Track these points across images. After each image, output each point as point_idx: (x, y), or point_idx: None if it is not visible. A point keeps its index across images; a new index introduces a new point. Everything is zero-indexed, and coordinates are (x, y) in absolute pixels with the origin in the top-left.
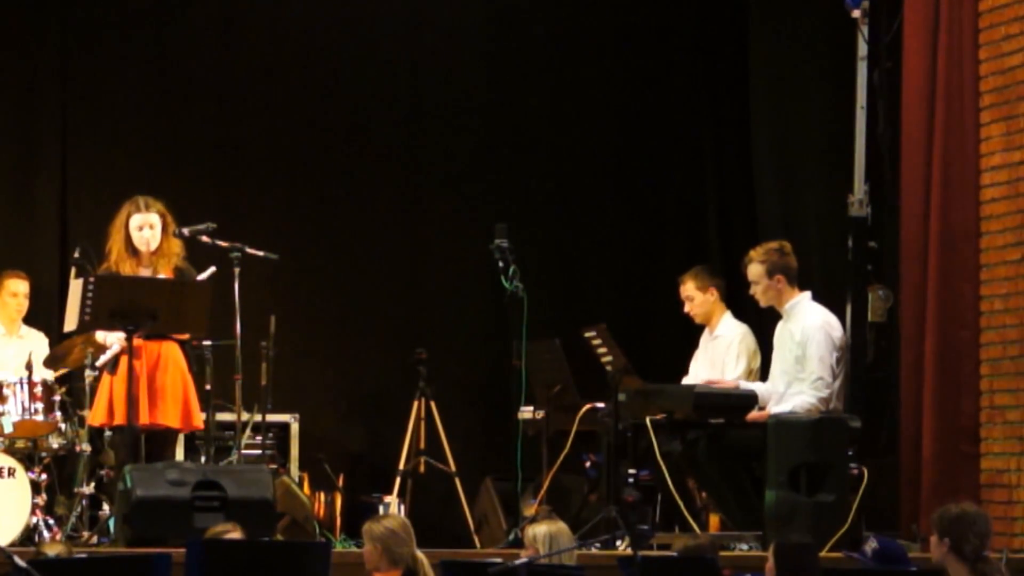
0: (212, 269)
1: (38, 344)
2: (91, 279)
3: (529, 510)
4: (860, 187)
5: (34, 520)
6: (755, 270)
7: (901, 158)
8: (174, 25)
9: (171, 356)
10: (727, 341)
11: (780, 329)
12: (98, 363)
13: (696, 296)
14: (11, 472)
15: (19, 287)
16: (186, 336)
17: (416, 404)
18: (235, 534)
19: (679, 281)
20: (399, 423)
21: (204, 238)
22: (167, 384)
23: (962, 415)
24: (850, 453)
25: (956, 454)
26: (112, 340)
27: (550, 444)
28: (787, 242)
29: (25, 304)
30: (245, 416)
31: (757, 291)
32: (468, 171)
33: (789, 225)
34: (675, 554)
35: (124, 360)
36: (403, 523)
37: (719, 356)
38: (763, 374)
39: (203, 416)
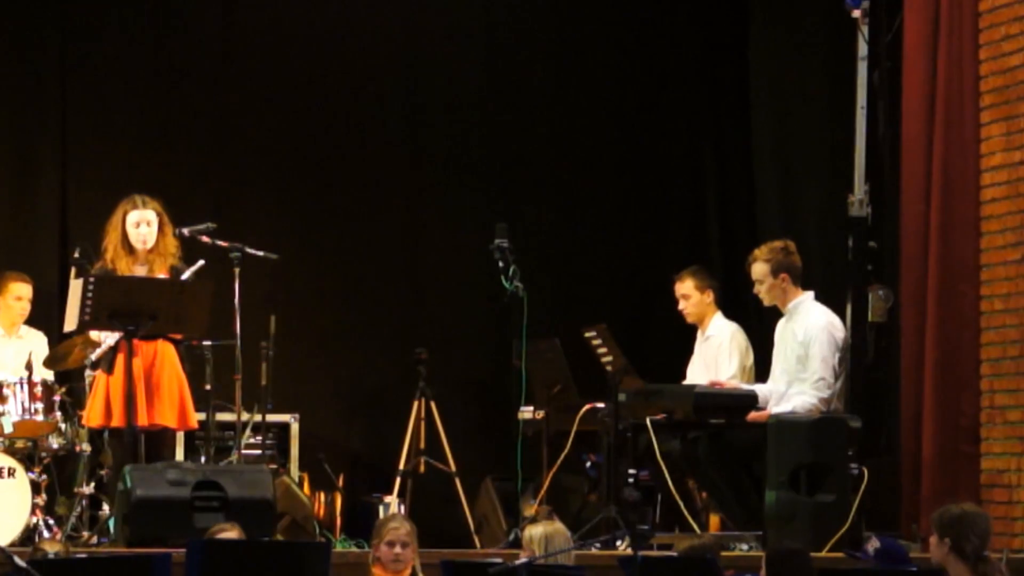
0: (201, 263)
1: (38, 344)
2: (91, 279)
3: (529, 510)
4: (860, 187)
5: (34, 520)
6: (759, 269)
7: (901, 158)
8: (174, 25)
9: (167, 355)
10: (719, 340)
11: (781, 328)
12: (93, 356)
13: (694, 295)
14: (11, 472)
15: (23, 291)
16: (181, 336)
17: (416, 404)
18: (232, 533)
19: (676, 278)
20: (399, 423)
21: (204, 238)
22: (163, 383)
23: (962, 415)
24: (850, 453)
25: (956, 454)
26: (107, 335)
27: (550, 444)
28: (791, 241)
29: (28, 308)
30: (245, 416)
31: (761, 290)
32: (468, 170)
33: (789, 225)
34: (675, 554)
35: (121, 360)
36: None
37: (712, 356)
38: (757, 372)
39: (198, 415)
